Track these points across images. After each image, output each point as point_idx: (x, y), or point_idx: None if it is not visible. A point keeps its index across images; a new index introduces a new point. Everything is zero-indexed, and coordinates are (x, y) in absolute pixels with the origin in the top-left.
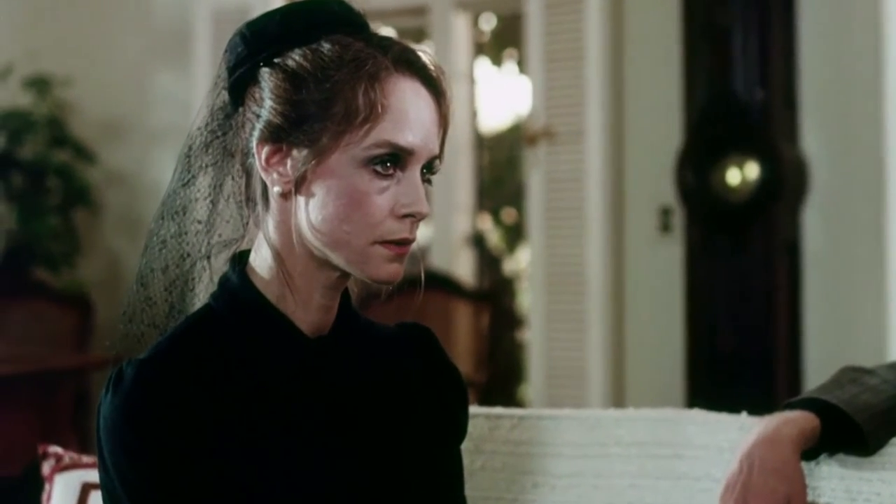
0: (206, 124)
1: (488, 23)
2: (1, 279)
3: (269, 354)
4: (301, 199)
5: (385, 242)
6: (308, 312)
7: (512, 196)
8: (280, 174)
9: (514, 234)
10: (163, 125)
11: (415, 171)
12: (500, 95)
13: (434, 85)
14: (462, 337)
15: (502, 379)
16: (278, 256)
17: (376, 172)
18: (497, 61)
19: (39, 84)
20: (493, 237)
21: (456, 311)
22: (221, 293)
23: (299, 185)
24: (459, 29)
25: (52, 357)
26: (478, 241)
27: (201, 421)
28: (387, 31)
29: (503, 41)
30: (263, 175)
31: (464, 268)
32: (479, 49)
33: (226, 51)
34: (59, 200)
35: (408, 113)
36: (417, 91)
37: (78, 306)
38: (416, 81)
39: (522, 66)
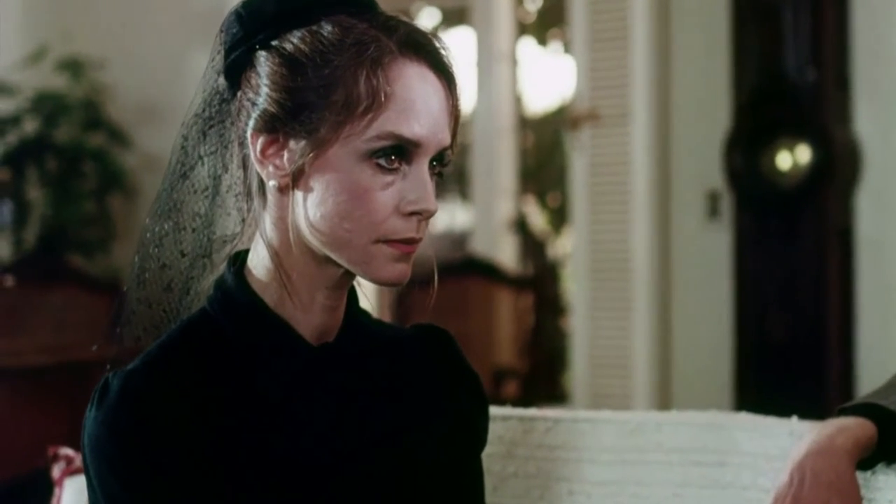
0: (203, 110)
1: (534, 2)
2: (35, 265)
3: (267, 363)
4: (299, 195)
5: (389, 241)
6: (310, 316)
7: (557, 179)
8: (276, 167)
9: (560, 218)
10: None
11: (422, 165)
12: (546, 76)
13: (444, 69)
14: (504, 324)
15: (545, 367)
16: (276, 256)
17: (379, 166)
18: (542, 41)
19: (74, 66)
20: (538, 221)
21: (498, 297)
22: (216, 296)
23: (297, 179)
24: (502, 9)
25: (83, 348)
26: (521, 225)
27: (193, 436)
28: (429, 12)
29: (548, 21)
30: (258, 168)
31: (506, 253)
32: (523, 29)
33: (221, 30)
34: (94, 185)
35: (414, 101)
36: (425, 76)
37: (113, 293)
38: (424, 66)
39: (567, 46)
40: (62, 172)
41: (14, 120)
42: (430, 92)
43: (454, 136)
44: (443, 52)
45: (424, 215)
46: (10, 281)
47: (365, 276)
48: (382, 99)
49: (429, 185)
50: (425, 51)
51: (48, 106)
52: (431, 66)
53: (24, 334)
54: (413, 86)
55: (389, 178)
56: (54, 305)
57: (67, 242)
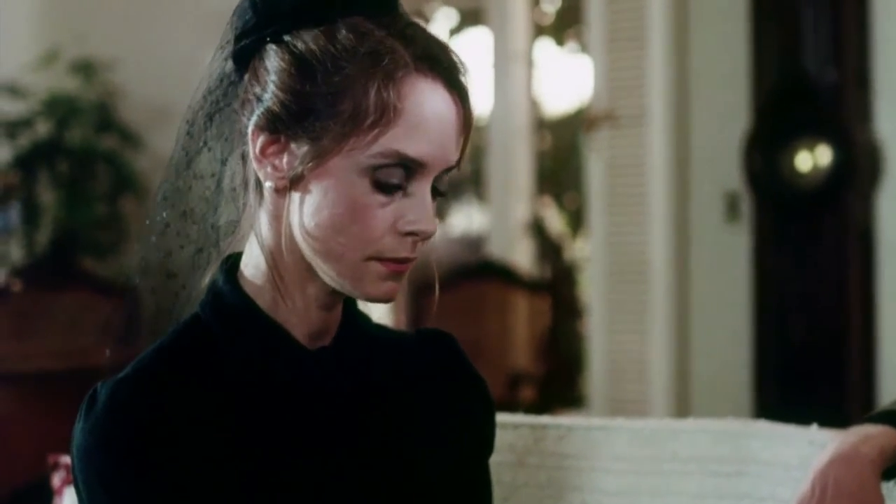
0: (211, 92)
1: (551, 2)
2: (47, 268)
3: (261, 368)
4: (296, 197)
5: (382, 259)
6: (304, 320)
7: (575, 181)
8: (275, 168)
9: (577, 220)
10: None
11: (424, 185)
12: (563, 77)
13: (458, 86)
14: (520, 328)
15: (562, 371)
16: (271, 256)
17: (380, 183)
18: (559, 42)
19: (86, 68)
20: (555, 223)
21: (514, 301)
22: (208, 300)
23: (295, 182)
24: (518, 9)
25: (95, 352)
26: (537, 228)
27: (181, 447)
28: (445, 12)
29: (565, 21)
30: (256, 166)
31: (523, 256)
32: (540, 30)
33: (234, 15)
34: (106, 188)
35: (425, 119)
36: (438, 93)
37: (125, 296)
38: (438, 82)
39: (585, 47)
40: (74, 175)
41: (26, 122)
42: (442, 109)
43: (462, 152)
44: (459, 67)
45: (421, 236)
46: (18, 285)
47: (353, 292)
48: (391, 115)
49: (429, 205)
50: (441, 66)
51: (60, 108)
52: (445, 82)
53: (35, 338)
54: (424, 103)
55: (389, 195)
56: (66, 309)
57: (79, 245)
